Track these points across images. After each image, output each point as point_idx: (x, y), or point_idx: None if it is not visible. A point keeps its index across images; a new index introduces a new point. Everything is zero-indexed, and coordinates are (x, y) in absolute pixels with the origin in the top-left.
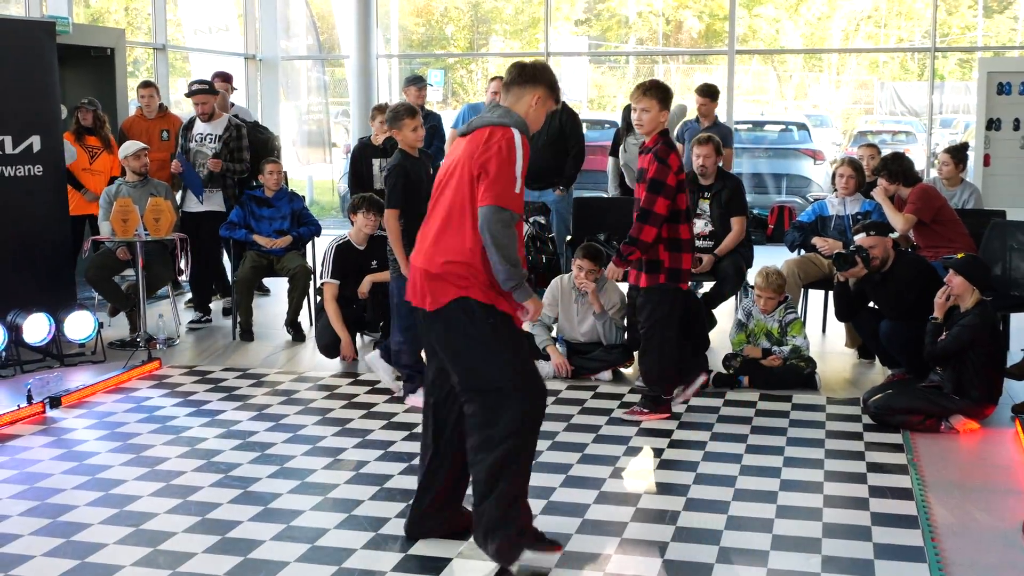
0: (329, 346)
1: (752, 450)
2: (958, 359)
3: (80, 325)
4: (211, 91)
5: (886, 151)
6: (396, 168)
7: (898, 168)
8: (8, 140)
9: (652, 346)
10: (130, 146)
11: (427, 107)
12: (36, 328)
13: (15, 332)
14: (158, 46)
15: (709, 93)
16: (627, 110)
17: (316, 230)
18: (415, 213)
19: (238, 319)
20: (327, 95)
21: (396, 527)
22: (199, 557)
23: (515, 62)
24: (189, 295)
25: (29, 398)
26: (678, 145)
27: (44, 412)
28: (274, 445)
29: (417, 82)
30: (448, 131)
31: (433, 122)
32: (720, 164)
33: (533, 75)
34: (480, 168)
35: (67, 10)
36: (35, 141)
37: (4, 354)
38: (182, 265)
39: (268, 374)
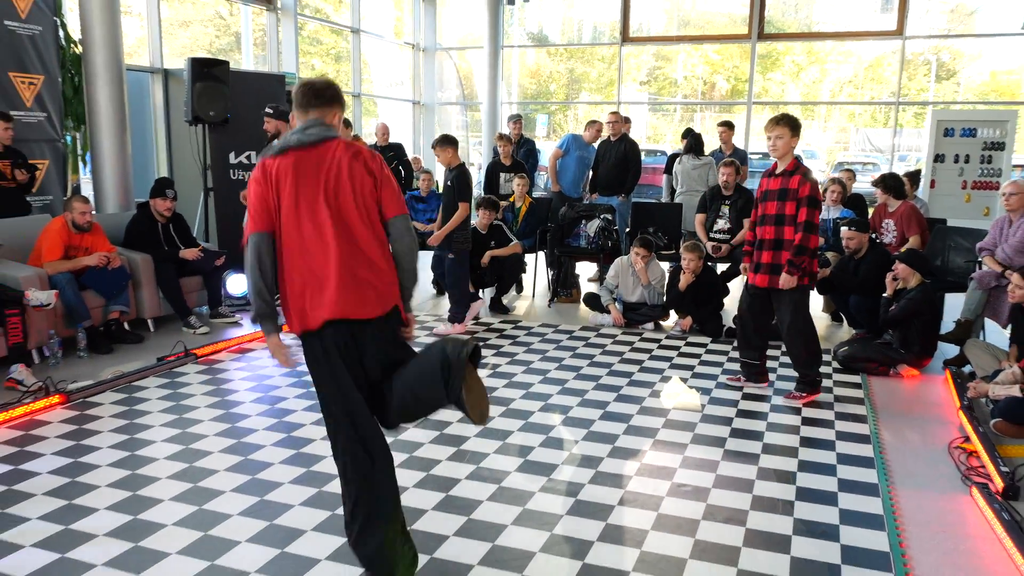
0: None
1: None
2: (904, 324)
3: None
4: (275, 116)
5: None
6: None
7: (893, 183)
8: (253, 154)
9: (798, 335)
10: None
11: (524, 135)
12: None
13: None
14: (355, 94)
15: (727, 125)
16: (690, 137)
17: None
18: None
19: None
20: (468, 130)
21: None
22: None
23: (307, 83)
24: None
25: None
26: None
27: None
28: None
29: (515, 118)
30: (552, 150)
31: (528, 146)
32: (738, 180)
33: (334, 96)
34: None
35: (295, 68)
36: None
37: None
38: None
39: (419, 315)
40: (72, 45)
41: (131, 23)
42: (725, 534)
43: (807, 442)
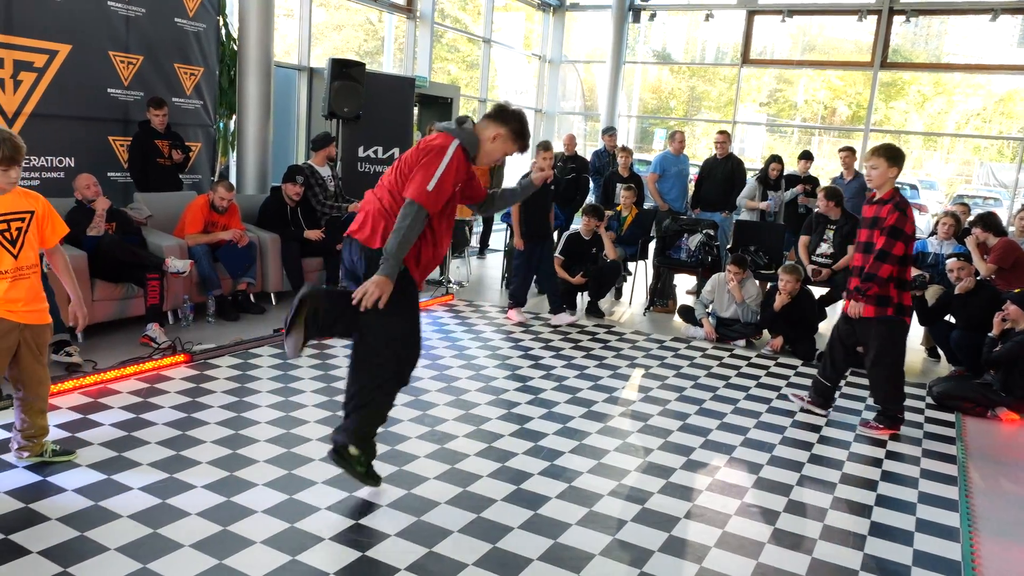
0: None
1: (838, 409)
2: (1008, 366)
3: None
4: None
5: (975, 211)
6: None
7: (991, 221)
8: (380, 149)
9: (882, 368)
10: None
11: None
12: None
13: None
14: (482, 99)
15: (849, 150)
16: (765, 165)
17: (562, 223)
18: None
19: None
20: (586, 139)
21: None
22: (439, 407)
23: (500, 103)
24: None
25: None
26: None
27: None
28: (501, 349)
29: (609, 130)
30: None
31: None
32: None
33: (503, 116)
34: (415, 164)
35: (427, 72)
36: (395, 151)
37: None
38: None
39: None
40: (231, 42)
41: (292, 25)
42: (789, 561)
43: (888, 476)
